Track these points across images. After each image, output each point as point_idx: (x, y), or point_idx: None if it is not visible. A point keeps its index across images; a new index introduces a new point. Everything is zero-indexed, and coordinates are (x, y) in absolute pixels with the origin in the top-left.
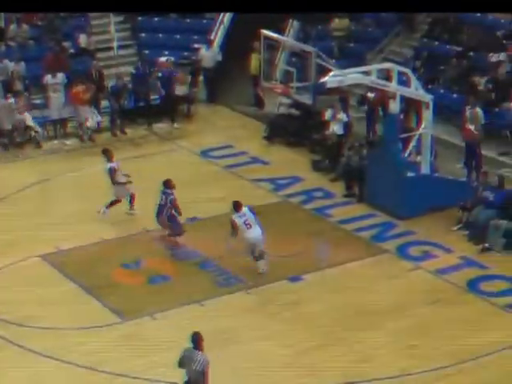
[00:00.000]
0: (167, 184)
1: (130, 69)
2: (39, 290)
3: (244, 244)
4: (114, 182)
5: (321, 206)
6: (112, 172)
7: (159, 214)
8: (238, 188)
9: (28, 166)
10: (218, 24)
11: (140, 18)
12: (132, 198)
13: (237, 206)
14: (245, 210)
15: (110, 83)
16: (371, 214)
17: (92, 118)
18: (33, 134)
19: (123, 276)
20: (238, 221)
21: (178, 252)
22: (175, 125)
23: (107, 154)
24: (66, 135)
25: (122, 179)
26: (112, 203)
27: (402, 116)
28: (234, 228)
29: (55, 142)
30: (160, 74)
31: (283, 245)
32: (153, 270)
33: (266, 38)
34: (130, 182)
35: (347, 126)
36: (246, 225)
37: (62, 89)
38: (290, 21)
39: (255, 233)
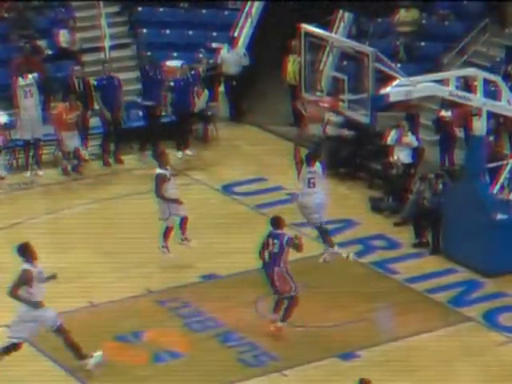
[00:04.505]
0: (277, 222)
1: (127, 75)
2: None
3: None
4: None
5: (382, 259)
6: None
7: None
8: None
9: None
10: (243, 16)
11: (140, 9)
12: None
13: (310, 159)
14: (317, 165)
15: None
16: (449, 269)
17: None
18: None
19: (118, 352)
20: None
21: (194, 321)
22: (188, 152)
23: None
24: (40, 164)
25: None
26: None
27: (490, 139)
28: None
29: (26, 173)
30: (172, 84)
31: (332, 311)
32: (158, 343)
33: (308, 34)
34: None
35: (417, 153)
36: (310, 183)
37: (37, 93)
38: (341, 12)
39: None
